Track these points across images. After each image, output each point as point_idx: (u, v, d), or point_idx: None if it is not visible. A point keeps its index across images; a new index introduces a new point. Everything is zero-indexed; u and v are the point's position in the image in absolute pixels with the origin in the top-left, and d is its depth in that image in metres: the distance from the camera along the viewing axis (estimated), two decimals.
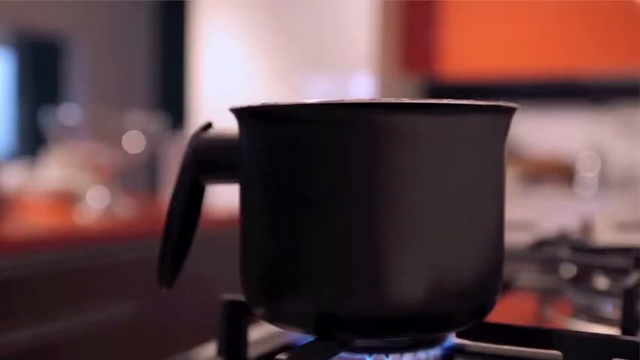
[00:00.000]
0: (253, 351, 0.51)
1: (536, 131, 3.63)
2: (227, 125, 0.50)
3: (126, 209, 1.78)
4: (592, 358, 0.43)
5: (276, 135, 0.41)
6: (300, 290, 0.41)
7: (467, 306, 0.41)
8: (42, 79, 4.36)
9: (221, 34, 3.51)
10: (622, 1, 3.17)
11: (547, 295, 0.75)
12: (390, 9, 3.40)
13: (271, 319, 0.43)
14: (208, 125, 0.48)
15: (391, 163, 0.39)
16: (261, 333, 0.56)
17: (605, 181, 3.43)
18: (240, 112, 0.43)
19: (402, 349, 0.42)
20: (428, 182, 0.39)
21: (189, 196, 0.48)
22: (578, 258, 0.73)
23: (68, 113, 1.82)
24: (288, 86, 3.34)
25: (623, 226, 1.15)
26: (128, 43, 4.77)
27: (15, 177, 1.94)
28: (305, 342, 0.40)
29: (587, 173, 3.42)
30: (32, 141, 3.87)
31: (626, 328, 0.53)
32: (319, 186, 0.39)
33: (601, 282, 0.68)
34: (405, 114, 0.39)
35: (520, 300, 0.75)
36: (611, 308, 0.63)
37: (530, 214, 3.08)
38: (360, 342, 0.42)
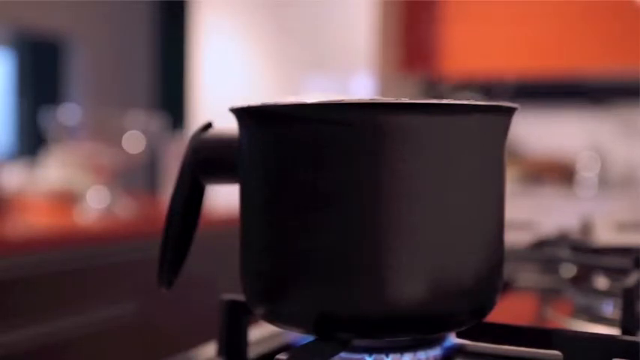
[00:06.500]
0: (253, 351, 0.51)
1: (536, 131, 3.63)
2: (227, 125, 0.50)
3: (126, 209, 1.78)
4: (592, 358, 0.43)
5: (276, 135, 0.41)
6: (300, 290, 0.40)
7: (467, 306, 0.41)
8: (42, 79, 4.35)
9: (221, 34, 3.51)
10: (622, 1, 3.17)
11: (547, 295, 0.75)
12: (390, 9, 3.40)
13: (271, 319, 0.43)
14: (208, 125, 0.48)
15: (391, 163, 0.39)
16: (261, 333, 0.55)
17: (605, 181, 3.43)
18: (240, 112, 0.43)
19: (402, 349, 0.42)
20: (427, 182, 0.39)
21: (189, 196, 0.48)
22: (578, 258, 0.73)
23: (68, 113, 1.82)
24: (288, 86, 3.34)
25: (623, 226, 1.15)
26: (128, 43, 4.77)
27: (15, 177, 1.94)
28: (305, 342, 0.40)
29: (587, 173, 3.42)
30: (32, 141, 3.87)
31: (626, 328, 0.53)
32: (319, 186, 0.39)
33: (601, 282, 0.68)
34: (404, 114, 0.39)
35: (520, 300, 0.75)
36: (611, 308, 0.63)
37: (530, 214, 3.08)
38: (360, 342, 0.42)
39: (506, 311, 0.66)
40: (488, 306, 0.43)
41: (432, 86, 3.73)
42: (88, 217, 1.71)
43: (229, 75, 3.47)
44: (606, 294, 0.64)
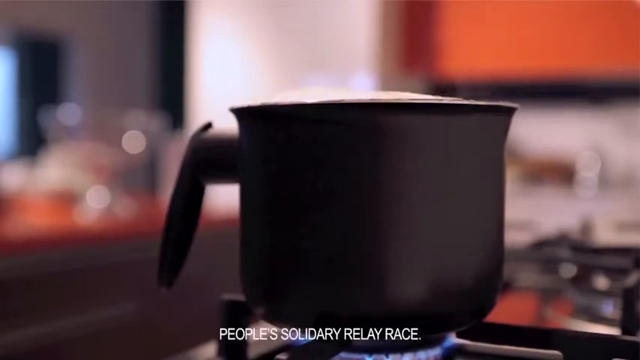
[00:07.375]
0: (253, 351, 0.51)
1: (536, 131, 3.63)
2: (227, 125, 0.50)
3: (126, 209, 1.78)
4: (592, 358, 0.43)
5: (276, 135, 0.41)
6: (300, 290, 0.40)
7: (467, 306, 0.41)
8: (42, 79, 4.35)
9: (221, 34, 3.51)
10: (622, 1, 3.17)
11: (547, 295, 0.75)
12: (390, 9, 3.39)
13: (271, 319, 0.43)
14: (208, 125, 0.48)
15: (391, 162, 0.39)
16: (261, 333, 0.55)
17: (605, 181, 3.42)
18: (240, 112, 0.43)
19: (402, 349, 0.42)
20: (427, 182, 0.39)
21: (189, 196, 0.48)
22: (578, 258, 0.73)
23: (68, 113, 1.82)
24: (288, 86, 3.34)
25: (623, 226, 1.15)
26: (128, 43, 4.77)
27: (15, 177, 1.94)
28: (305, 342, 0.40)
29: (587, 173, 3.42)
30: (32, 141, 3.86)
31: (626, 328, 0.53)
32: (319, 186, 0.39)
33: (601, 282, 0.68)
34: (404, 114, 0.39)
35: (520, 300, 0.75)
36: (611, 308, 0.63)
37: (530, 214, 3.07)
38: (360, 342, 0.42)
39: (506, 311, 0.66)
40: (488, 306, 0.43)
41: (432, 86, 3.72)
42: (88, 217, 1.71)
43: (229, 75, 3.47)
44: (606, 294, 0.64)
